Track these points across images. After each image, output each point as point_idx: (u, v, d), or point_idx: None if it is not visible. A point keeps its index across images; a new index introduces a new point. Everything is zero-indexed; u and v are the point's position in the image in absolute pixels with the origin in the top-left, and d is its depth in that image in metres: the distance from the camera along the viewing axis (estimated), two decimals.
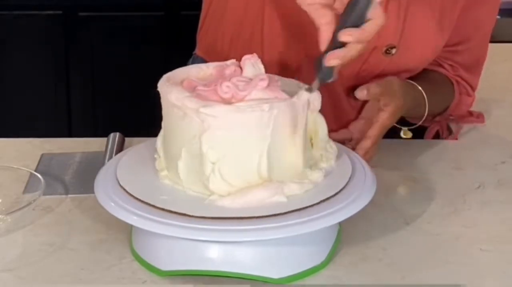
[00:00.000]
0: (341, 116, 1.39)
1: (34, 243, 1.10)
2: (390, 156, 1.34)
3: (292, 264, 1.02)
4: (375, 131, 1.26)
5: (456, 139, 1.45)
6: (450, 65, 1.44)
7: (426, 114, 1.38)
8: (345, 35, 0.99)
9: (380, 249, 1.09)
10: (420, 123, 1.40)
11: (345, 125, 1.39)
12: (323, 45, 1.00)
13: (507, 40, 2.08)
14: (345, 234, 1.10)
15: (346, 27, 0.99)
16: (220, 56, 1.35)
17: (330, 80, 1.01)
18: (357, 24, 0.99)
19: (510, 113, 1.57)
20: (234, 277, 1.00)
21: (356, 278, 1.03)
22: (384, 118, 1.27)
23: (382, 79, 1.30)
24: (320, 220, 0.98)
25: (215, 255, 1.00)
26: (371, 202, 1.05)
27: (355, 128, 1.32)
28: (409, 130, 1.41)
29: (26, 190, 1.20)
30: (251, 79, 1.03)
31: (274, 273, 1.01)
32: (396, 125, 1.35)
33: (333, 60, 0.99)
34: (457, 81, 1.45)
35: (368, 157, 1.24)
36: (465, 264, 1.06)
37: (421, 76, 1.40)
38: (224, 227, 0.96)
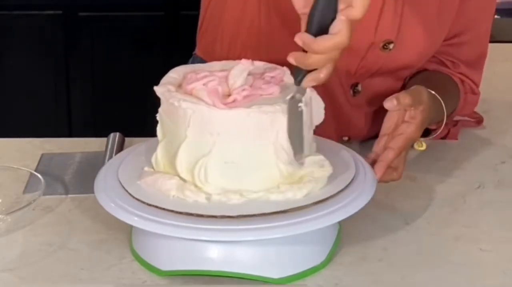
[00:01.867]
0: (340, 115, 1.38)
1: (34, 243, 1.10)
2: None
3: (292, 264, 1.02)
4: (399, 142, 1.17)
5: (456, 139, 1.44)
6: (452, 61, 1.42)
7: (444, 122, 1.32)
8: (291, 59, 0.96)
9: (380, 249, 1.09)
10: (438, 132, 1.35)
11: (345, 124, 1.39)
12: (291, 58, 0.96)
13: (507, 40, 2.08)
14: (345, 234, 1.10)
15: (307, 31, 0.95)
16: (219, 56, 1.35)
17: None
18: (322, 30, 0.94)
19: (510, 113, 1.57)
20: (234, 277, 1.00)
21: (356, 278, 1.03)
22: (410, 131, 1.19)
23: (410, 89, 1.23)
24: (320, 220, 0.99)
25: (215, 255, 1.00)
26: (371, 202, 1.05)
27: (379, 148, 1.19)
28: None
29: (26, 190, 1.20)
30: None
31: (274, 273, 1.01)
32: None
33: (310, 82, 0.98)
34: (461, 81, 1.42)
35: (396, 175, 1.18)
36: (465, 264, 1.06)
37: (431, 80, 1.36)
38: (224, 227, 0.97)
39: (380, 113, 1.25)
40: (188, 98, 1.02)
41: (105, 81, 2.98)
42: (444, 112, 1.31)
